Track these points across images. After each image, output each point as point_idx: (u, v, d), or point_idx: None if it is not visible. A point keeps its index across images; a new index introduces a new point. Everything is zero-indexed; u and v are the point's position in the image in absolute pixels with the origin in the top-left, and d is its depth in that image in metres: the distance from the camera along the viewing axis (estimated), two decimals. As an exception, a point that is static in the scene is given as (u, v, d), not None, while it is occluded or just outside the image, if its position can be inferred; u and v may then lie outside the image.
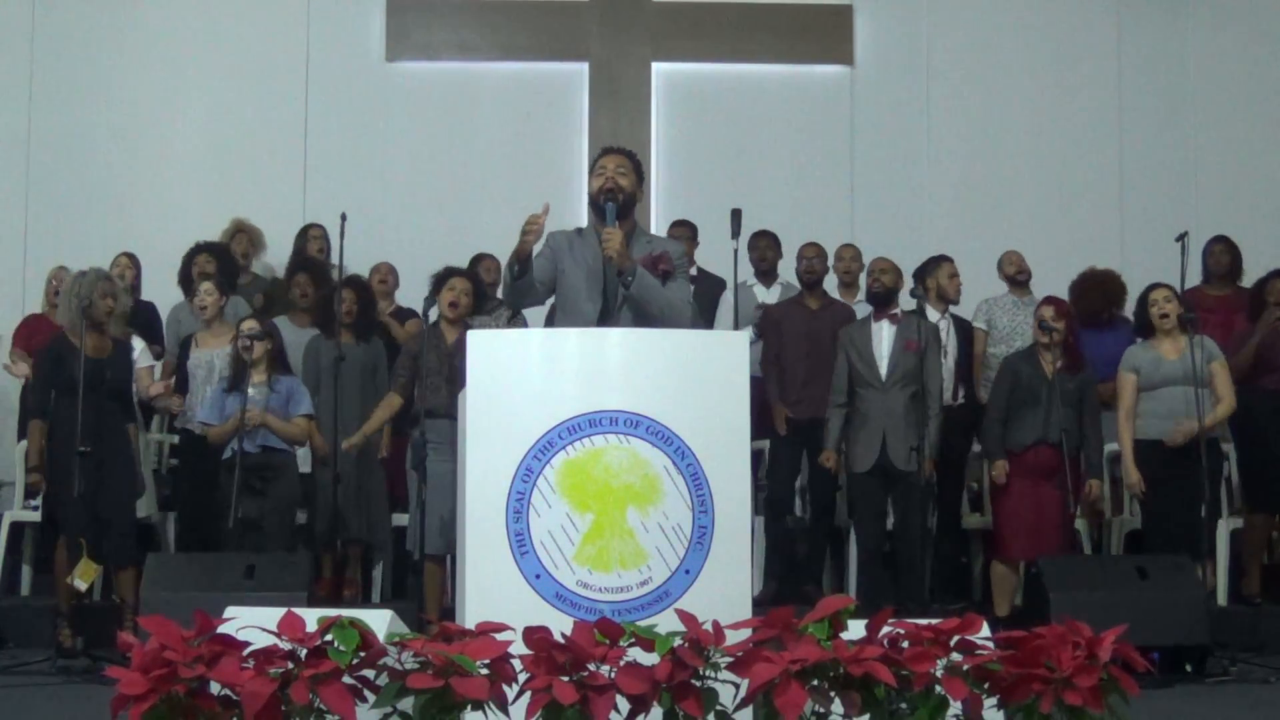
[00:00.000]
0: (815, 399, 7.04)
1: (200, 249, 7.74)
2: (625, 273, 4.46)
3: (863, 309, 7.59)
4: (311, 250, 8.01)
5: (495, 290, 7.68)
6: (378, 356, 7.02)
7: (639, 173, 4.73)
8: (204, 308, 7.08)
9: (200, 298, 7.10)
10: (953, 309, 7.50)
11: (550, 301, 4.93)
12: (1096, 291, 7.57)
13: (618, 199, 4.54)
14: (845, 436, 6.77)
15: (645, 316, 4.47)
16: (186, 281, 7.68)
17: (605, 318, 4.52)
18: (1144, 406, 6.57)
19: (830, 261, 7.81)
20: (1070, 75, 9.34)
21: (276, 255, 8.30)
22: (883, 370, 6.62)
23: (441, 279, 6.72)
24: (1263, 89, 9.32)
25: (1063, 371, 6.49)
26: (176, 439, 7.22)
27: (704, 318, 7.73)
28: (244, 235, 8.26)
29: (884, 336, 6.69)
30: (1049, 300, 6.79)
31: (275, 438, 6.45)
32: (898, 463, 6.49)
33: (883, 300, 6.78)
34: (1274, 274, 7.37)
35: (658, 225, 8.67)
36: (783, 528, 7.23)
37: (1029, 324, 7.07)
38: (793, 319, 7.31)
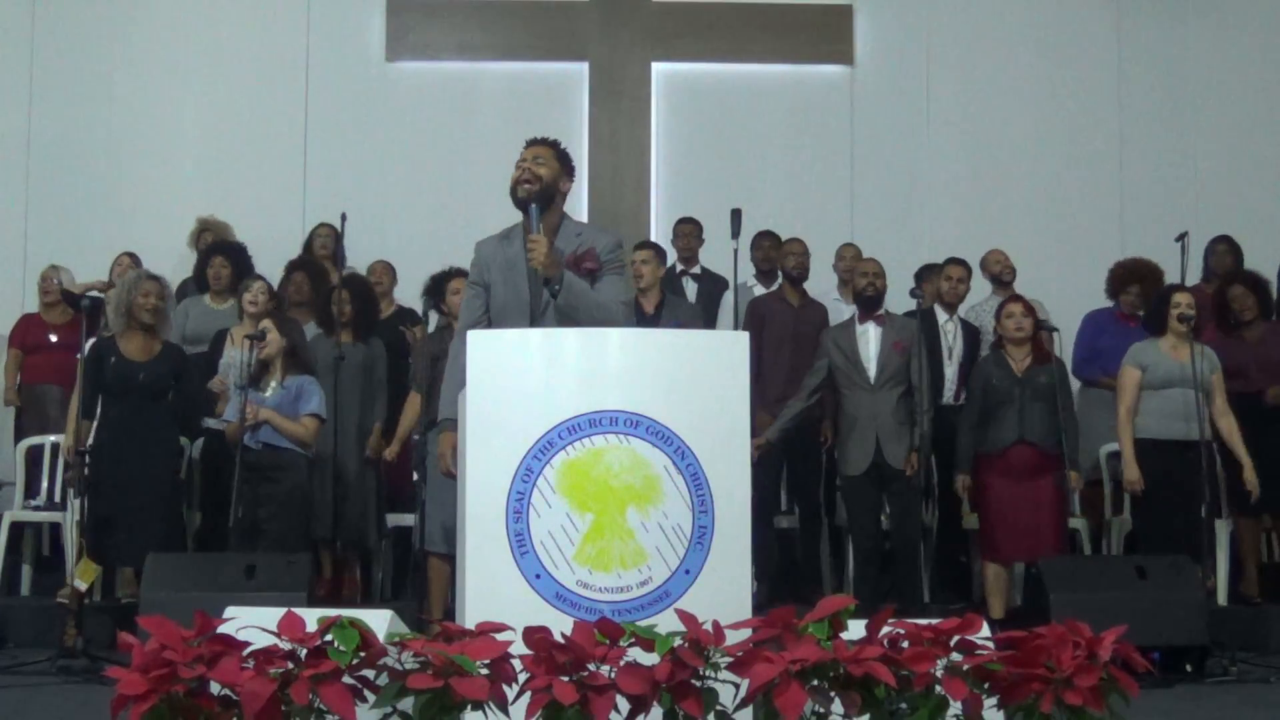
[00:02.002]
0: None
1: (215, 249, 7.75)
2: (553, 281, 4.25)
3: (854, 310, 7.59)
4: (315, 249, 7.99)
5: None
6: (377, 356, 7.02)
7: (564, 162, 4.53)
8: (254, 303, 7.06)
9: (253, 294, 7.08)
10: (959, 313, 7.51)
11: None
12: (1137, 284, 7.55)
13: (536, 198, 4.32)
14: (836, 440, 6.75)
15: (575, 322, 4.25)
16: (201, 280, 7.70)
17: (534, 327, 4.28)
18: (1148, 405, 6.56)
19: (831, 261, 7.83)
20: (1070, 75, 9.34)
21: (279, 255, 8.26)
22: (871, 372, 6.60)
23: (442, 280, 6.72)
24: (1263, 89, 9.32)
25: (1032, 367, 6.51)
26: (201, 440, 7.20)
27: (704, 318, 7.74)
28: (209, 234, 8.23)
29: (871, 338, 6.66)
30: (1015, 298, 6.80)
31: (280, 435, 6.45)
32: (894, 463, 6.47)
33: (874, 303, 6.74)
34: (1233, 277, 7.33)
35: (658, 225, 8.69)
36: (770, 529, 7.20)
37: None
38: (776, 316, 7.24)
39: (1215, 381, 6.59)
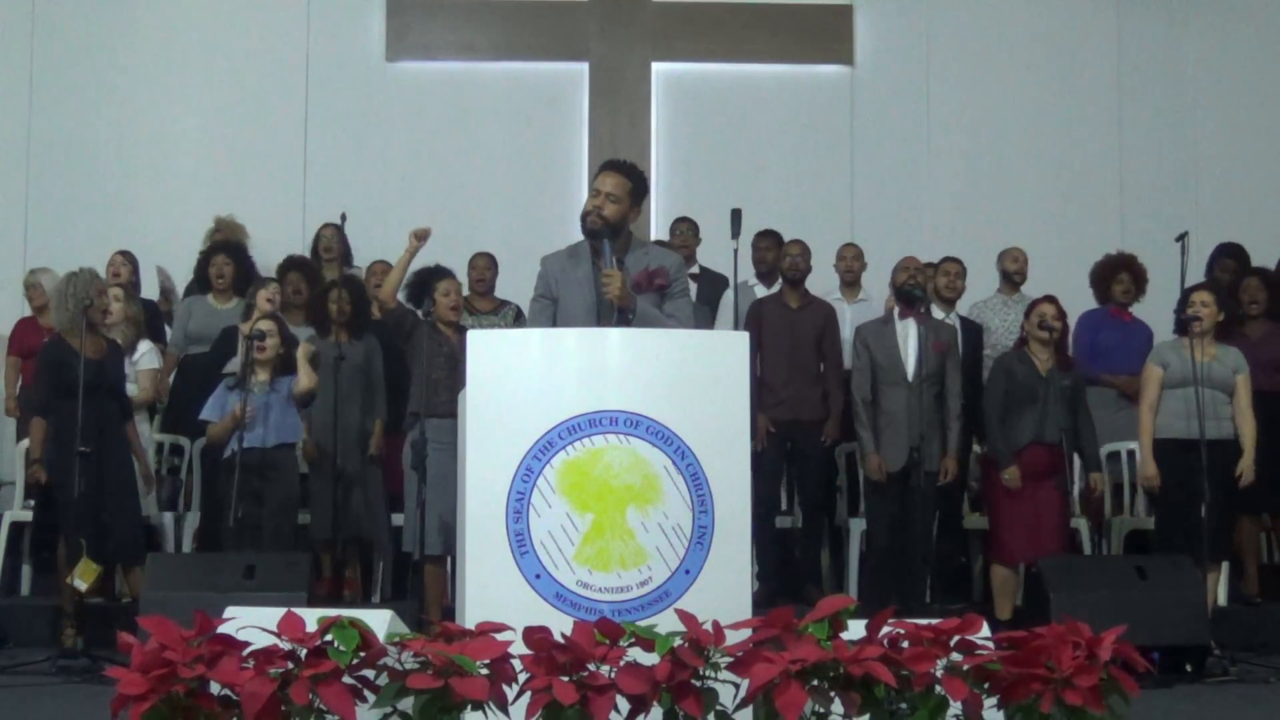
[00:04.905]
0: (796, 399, 7.00)
1: (217, 249, 7.73)
2: (627, 310, 4.36)
3: (864, 309, 7.57)
4: (319, 250, 7.92)
5: (484, 286, 7.68)
6: (372, 354, 7.01)
7: (636, 190, 4.59)
8: (271, 301, 6.99)
9: (270, 293, 7.00)
10: (957, 310, 7.49)
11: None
12: (1124, 271, 7.54)
13: (605, 233, 4.44)
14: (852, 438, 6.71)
15: None
16: (203, 281, 7.68)
17: None
18: (1166, 405, 6.51)
19: (833, 261, 7.82)
20: (1070, 75, 9.34)
21: (280, 255, 8.26)
22: (909, 369, 6.53)
23: (425, 281, 6.67)
24: (1263, 89, 9.32)
25: (1055, 369, 6.47)
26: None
27: (704, 317, 7.73)
28: (220, 234, 8.20)
29: (909, 335, 6.57)
30: (1049, 299, 6.74)
31: (274, 436, 6.43)
32: (926, 464, 6.40)
33: (916, 300, 6.67)
34: (1249, 273, 7.34)
35: (658, 225, 8.68)
36: (772, 529, 7.18)
37: (1019, 323, 7.05)
38: (775, 316, 7.19)
39: (1240, 382, 6.50)
